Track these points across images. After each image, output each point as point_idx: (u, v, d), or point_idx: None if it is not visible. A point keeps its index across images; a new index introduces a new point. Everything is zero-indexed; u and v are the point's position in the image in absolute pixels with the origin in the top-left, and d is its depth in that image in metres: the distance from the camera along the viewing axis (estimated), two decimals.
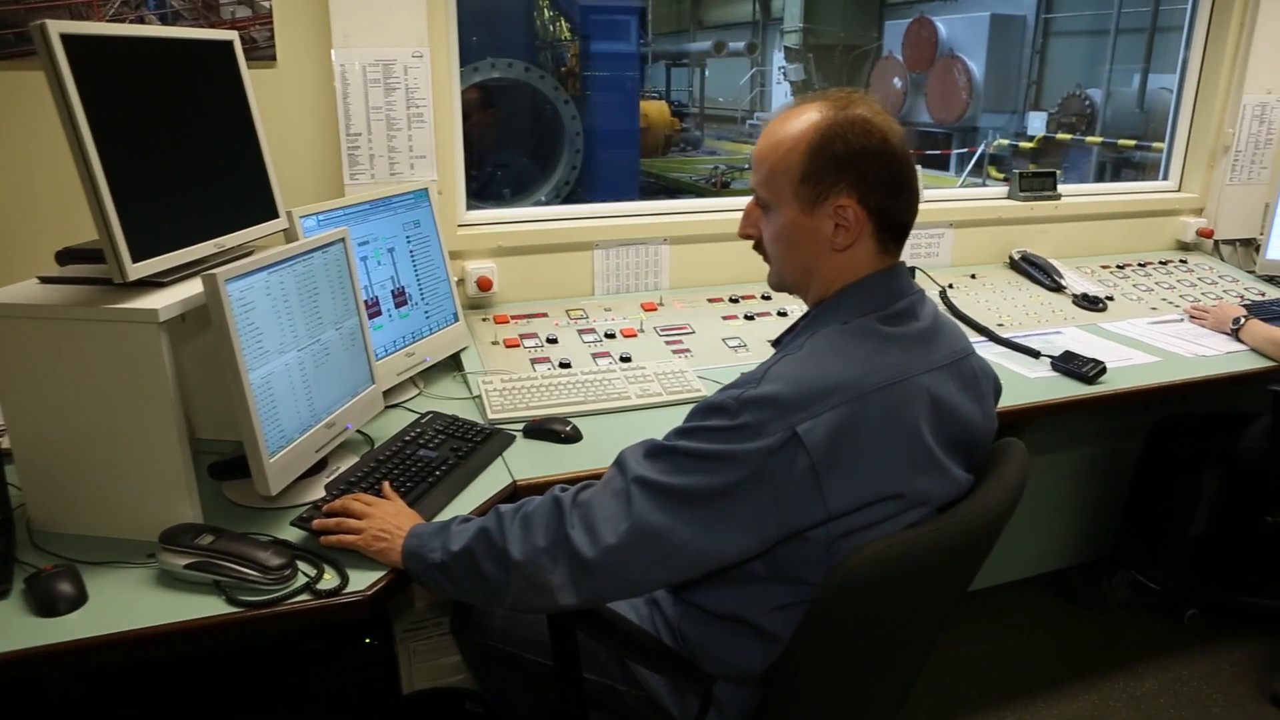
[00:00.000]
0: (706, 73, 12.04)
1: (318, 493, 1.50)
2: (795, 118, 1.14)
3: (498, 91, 4.99)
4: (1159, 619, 2.56)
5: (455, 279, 2.27)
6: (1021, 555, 2.68)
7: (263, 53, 2.00)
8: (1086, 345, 2.30)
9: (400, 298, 1.94)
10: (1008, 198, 2.87)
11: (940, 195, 2.83)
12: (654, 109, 9.24)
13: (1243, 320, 2.37)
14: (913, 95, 9.63)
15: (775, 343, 1.28)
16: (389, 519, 1.33)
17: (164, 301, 1.29)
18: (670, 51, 12.00)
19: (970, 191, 2.94)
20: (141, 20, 1.87)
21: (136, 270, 1.29)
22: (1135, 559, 2.60)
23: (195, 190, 1.46)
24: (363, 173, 2.10)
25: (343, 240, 1.62)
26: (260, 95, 1.99)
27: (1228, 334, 2.39)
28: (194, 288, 1.36)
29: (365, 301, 1.84)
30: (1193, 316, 2.51)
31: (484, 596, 1.24)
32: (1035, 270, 2.72)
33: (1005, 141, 8.12)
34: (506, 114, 5.09)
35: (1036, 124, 8.63)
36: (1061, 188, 2.92)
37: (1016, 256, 2.78)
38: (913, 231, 2.72)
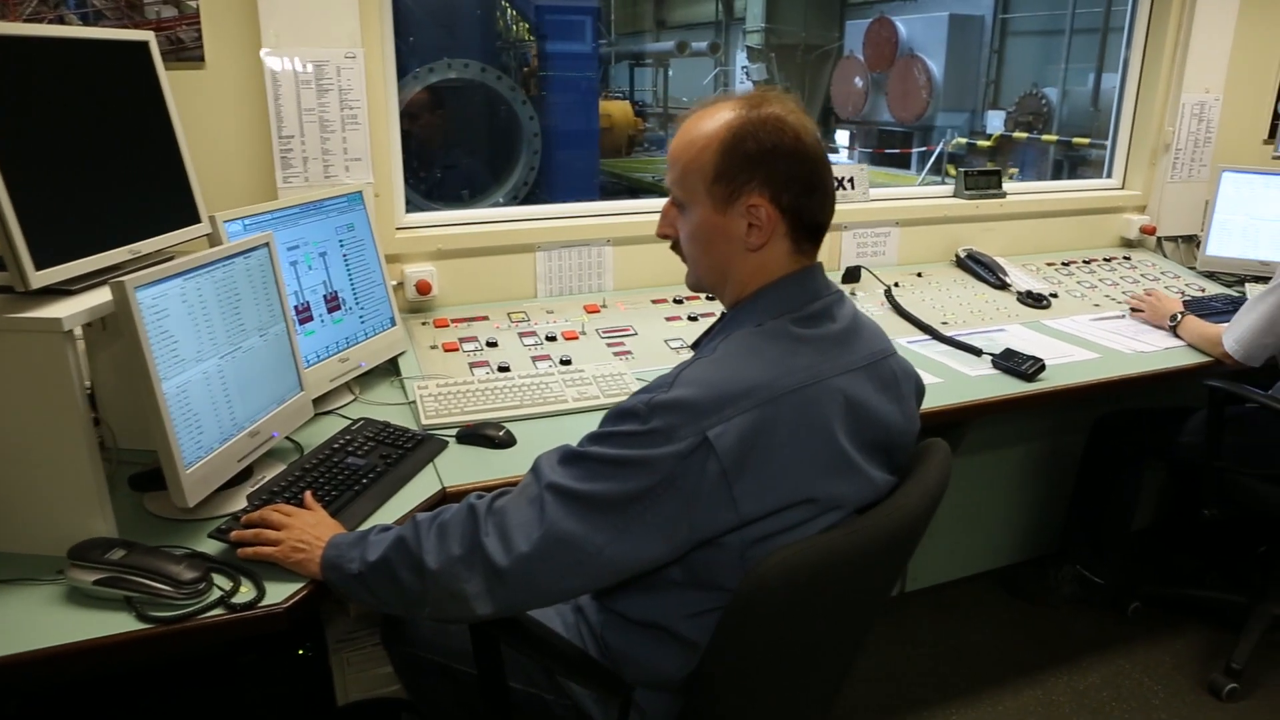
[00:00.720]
0: (670, 73, 12.05)
1: (241, 503, 1.47)
2: (709, 117, 1.13)
3: (454, 92, 4.95)
4: (1104, 613, 2.58)
5: (393, 283, 2.24)
6: (969, 552, 2.70)
7: (190, 54, 1.95)
8: (1029, 343, 2.31)
9: (333, 302, 1.91)
10: (954, 196, 2.89)
11: (887, 194, 2.84)
12: (617, 109, 9.24)
13: (1179, 316, 2.40)
14: (874, 94, 9.72)
15: (694, 345, 1.27)
16: (308, 529, 1.31)
17: (69, 310, 1.26)
18: (633, 51, 12.01)
19: (917, 190, 2.96)
20: (61, 20, 1.83)
21: (40, 279, 1.26)
22: (1080, 554, 2.63)
23: (106, 195, 1.42)
24: (296, 176, 2.06)
25: (267, 245, 1.59)
26: (189, 97, 1.97)
27: (1166, 329, 2.42)
28: (104, 295, 1.32)
29: (296, 307, 1.81)
30: (1133, 310, 2.55)
31: (403, 607, 1.22)
32: (981, 268, 2.74)
33: (963, 140, 8.20)
34: (463, 115, 5.05)
35: (995, 123, 8.74)
36: (1007, 185, 2.95)
37: (963, 255, 2.80)
38: (861, 230, 2.76)
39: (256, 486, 1.51)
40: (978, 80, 9.12)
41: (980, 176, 2.89)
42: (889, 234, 2.74)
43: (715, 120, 1.12)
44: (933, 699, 2.27)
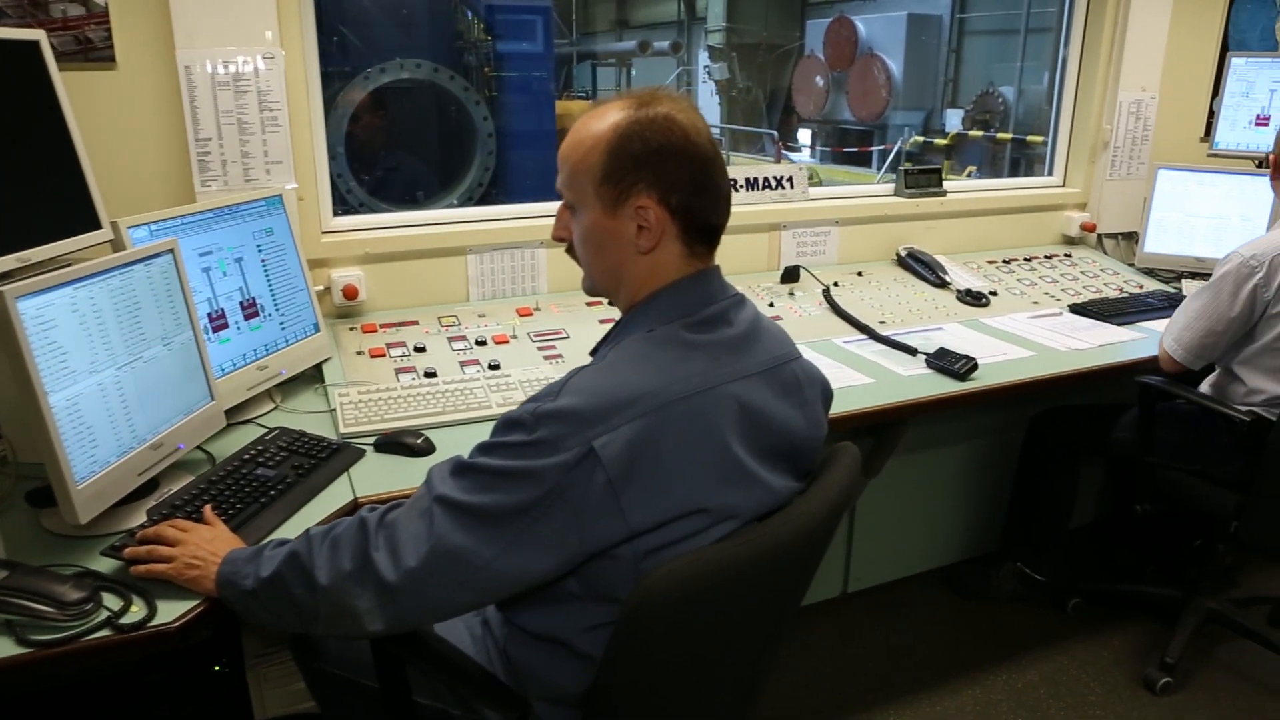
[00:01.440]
0: (634, 72, 12.03)
1: (142, 518, 1.42)
2: (597, 117, 1.11)
3: (407, 93, 4.89)
4: (1045, 610, 2.59)
5: (319, 287, 2.20)
6: (911, 551, 2.69)
7: (100, 54, 1.90)
8: (965, 341, 2.31)
9: (250, 309, 1.86)
10: (894, 195, 2.89)
11: (826, 193, 2.84)
12: (579, 109, 9.14)
13: None
14: (835, 93, 9.76)
15: (593, 351, 1.25)
16: (204, 545, 1.26)
17: None
18: (596, 51, 11.97)
19: (857, 189, 2.95)
20: None
21: None
22: (1020, 552, 2.63)
23: None
24: (215, 179, 2.02)
25: (171, 251, 1.54)
26: (100, 99, 1.91)
27: None
28: None
29: (210, 314, 1.76)
30: None
31: (299, 623, 1.18)
32: (921, 267, 2.74)
33: (920, 139, 8.26)
34: (416, 115, 4.99)
35: (954, 121, 8.80)
36: (950, 184, 2.95)
37: (903, 253, 2.80)
38: (800, 229, 2.75)
39: (159, 500, 1.46)
40: (936, 79, 9.20)
41: (921, 175, 2.90)
42: (829, 233, 2.74)
43: (603, 121, 1.10)
44: (873, 700, 2.26)
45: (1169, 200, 2.93)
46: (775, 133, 9.13)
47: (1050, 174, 3.20)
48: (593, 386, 1.02)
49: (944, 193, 2.91)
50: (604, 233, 1.12)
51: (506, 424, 1.04)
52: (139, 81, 1.94)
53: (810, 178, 2.94)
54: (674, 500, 1.01)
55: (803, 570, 1.19)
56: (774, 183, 2.66)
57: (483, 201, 4.64)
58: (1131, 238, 3.16)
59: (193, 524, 1.32)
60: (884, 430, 2.27)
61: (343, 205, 3.59)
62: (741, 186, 2.62)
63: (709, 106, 10.88)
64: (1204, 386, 2.29)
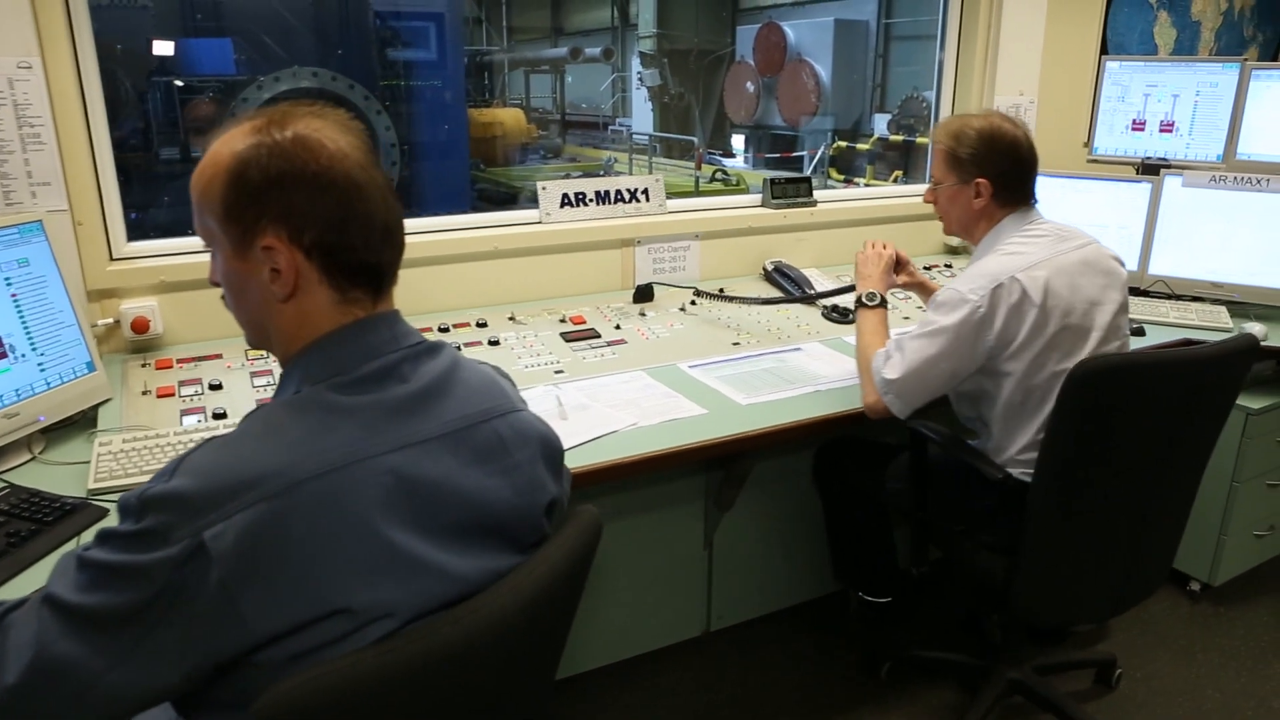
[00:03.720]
0: (569, 79, 11.91)
1: None
2: (223, 141, 0.93)
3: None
4: (859, 672, 2.31)
5: (107, 320, 2.01)
6: (773, 587, 2.50)
7: None
8: (820, 362, 2.19)
9: None
10: (761, 206, 2.75)
11: (686, 205, 2.69)
12: (509, 116, 9.01)
13: (875, 299, 2.01)
14: (765, 99, 9.71)
15: None
16: None
17: None
18: (527, 58, 11.82)
19: (719, 200, 2.81)
20: None
21: None
22: (856, 582, 2.43)
23: None
24: None
25: None
26: None
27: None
28: None
29: None
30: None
31: None
32: (787, 282, 2.61)
33: (843, 144, 8.22)
34: None
35: (881, 126, 8.77)
36: (821, 194, 2.83)
37: (770, 268, 2.67)
38: (656, 245, 2.60)
39: None
40: (864, 84, 9.18)
41: (789, 185, 2.77)
42: (689, 248, 2.59)
43: (225, 146, 0.92)
44: None
45: (1046, 208, 2.81)
46: (695, 139, 9.03)
47: (929, 180, 3.09)
48: (208, 465, 0.85)
49: (814, 203, 2.78)
50: (238, 278, 0.95)
51: (120, 508, 0.87)
52: None
53: (737, 183, 2.80)
54: (306, 601, 0.84)
55: (526, 655, 1.02)
56: (627, 195, 2.51)
57: None
58: None
59: None
60: (731, 463, 2.12)
61: None
62: (591, 200, 2.46)
63: (642, 113, 10.80)
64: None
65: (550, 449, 1.08)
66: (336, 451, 0.87)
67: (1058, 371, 1.72)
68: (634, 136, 9.69)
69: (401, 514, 0.89)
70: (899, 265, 2.14)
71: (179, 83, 4.44)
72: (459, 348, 2.14)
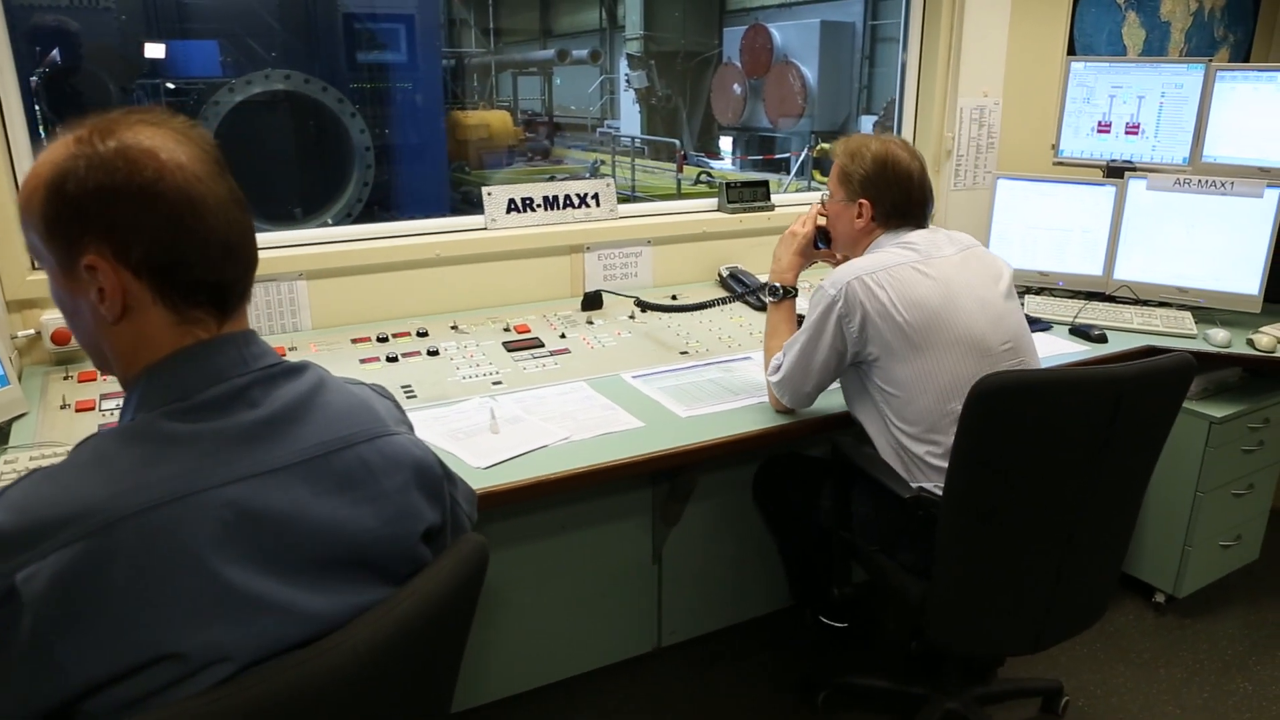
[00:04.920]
0: (558, 81, 11.88)
1: None
2: (44, 153, 0.86)
3: (270, 106, 4.64)
4: (798, 699, 2.22)
5: (28, 332, 1.95)
6: (723, 602, 2.43)
7: None
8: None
9: None
10: (717, 210, 2.70)
11: (638, 210, 2.63)
12: (496, 119, 8.97)
13: (779, 293, 1.98)
14: (753, 101, 9.67)
15: None
16: None
17: None
18: (515, 60, 11.79)
19: (673, 205, 2.75)
20: None
21: None
22: (812, 602, 2.36)
23: None
24: None
25: None
26: None
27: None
28: None
29: None
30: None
31: None
32: (742, 288, 2.55)
33: (826, 146, 8.15)
34: (282, 130, 4.74)
35: (867, 127, 8.71)
36: (778, 198, 2.77)
37: (725, 274, 2.61)
38: (607, 251, 2.54)
39: None
40: (851, 85, 9.14)
41: (745, 189, 2.71)
42: (640, 254, 2.53)
43: (46, 157, 0.86)
44: None
45: (1011, 212, 2.78)
46: (677, 141, 8.99)
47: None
48: (26, 500, 0.79)
49: (771, 207, 2.72)
50: (69, 299, 0.89)
51: None
52: None
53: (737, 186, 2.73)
54: (130, 646, 0.78)
55: (397, 693, 0.96)
56: (576, 200, 2.45)
57: (361, 219, 4.39)
58: None
59: None
60: (675, 476, 2.06)
61: None
62: (539, 206, 2.40)
63: (631, 115, 10.75)
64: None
65: (426, 475, 1.01)
66: (166, 484, 0.81)
67: (935, 369, 1.69)
68: (617, 139, 9.65)
69: (242, 550, 0.83)
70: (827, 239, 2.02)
71: (170, 85, 4.40)
72: (395, 358, 2.08)
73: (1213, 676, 2.29)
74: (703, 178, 8.38)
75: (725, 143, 10.11)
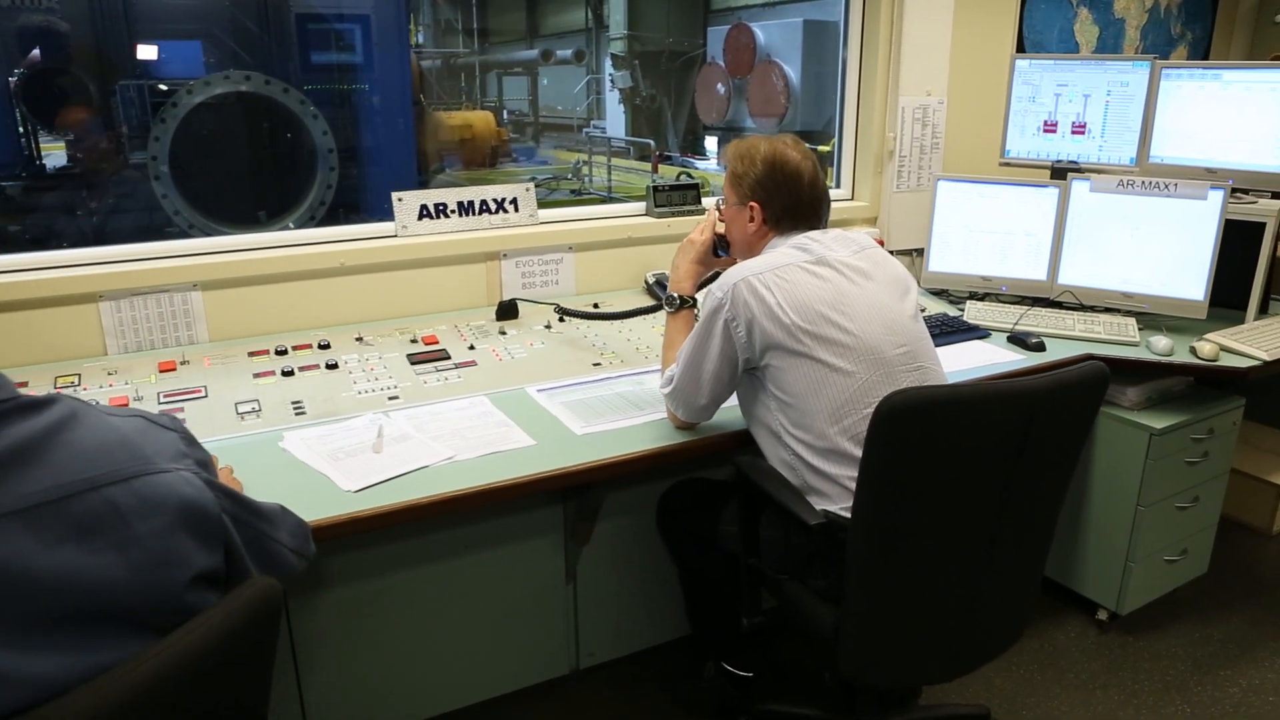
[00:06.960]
0: (544, 81, 11.82)
1: None
2: None
3: (230, 108, 4.56)
4: None
5: None
6: (640, 623, 2.33)
7: None
8: None
9: None
10: (644, 215, 2.61)
11: (559, 215, 2.54)
12: (479, 119, 8.91)
13: (676, 302, 1.91)
14: (736, 100, 9.60)
15: None
16: None
17: None
18: (500, 60, 11.74)
19: (596, 210, 2.66)
20: None
21: None
22: (715, 647, 2.19)
23: None
24: None
25: None
26: None
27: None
28: None
29: None
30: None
31: None
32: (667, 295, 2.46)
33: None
34: (242, 132, 4.66)
35: None
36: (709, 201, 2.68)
37: (651, 280, 2.52)
38: (525, 258, 2.46)
39: None
40: (834, 85, 9.03)
41: (674, 192, 2.62)
42: (561, 260, 2.45)
43: None
44: None
45: (952, 215, 2.69)
46: (651, 142, 8.91)
47: (838, 186, 2.95)
48: None
49: (702, 211, 2.63)
50: None
51: None
52: None
53: (702, 186, 2.65)
54: None
55: None
56: (493, 205, 2.36)
57: (326, 221, 4.32)
58: (924, 254, 2.91)
59: None
60: (580, 495, 1.98)
61: (171, 227, 3.27)
62: (453, 211, 2.32)
63: (617, 115, 10.68)
64: None
65: (196, 516, 0.93)
66: None
67: (827, 374, 1.60)
68: (593, 140, 9.60)
69: None
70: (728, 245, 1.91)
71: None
72: (292, 372, 1.99)
73: (1150, 699, 2.20)
74: (682, 178, 8.30)
75: (710, 142, 10.04)
